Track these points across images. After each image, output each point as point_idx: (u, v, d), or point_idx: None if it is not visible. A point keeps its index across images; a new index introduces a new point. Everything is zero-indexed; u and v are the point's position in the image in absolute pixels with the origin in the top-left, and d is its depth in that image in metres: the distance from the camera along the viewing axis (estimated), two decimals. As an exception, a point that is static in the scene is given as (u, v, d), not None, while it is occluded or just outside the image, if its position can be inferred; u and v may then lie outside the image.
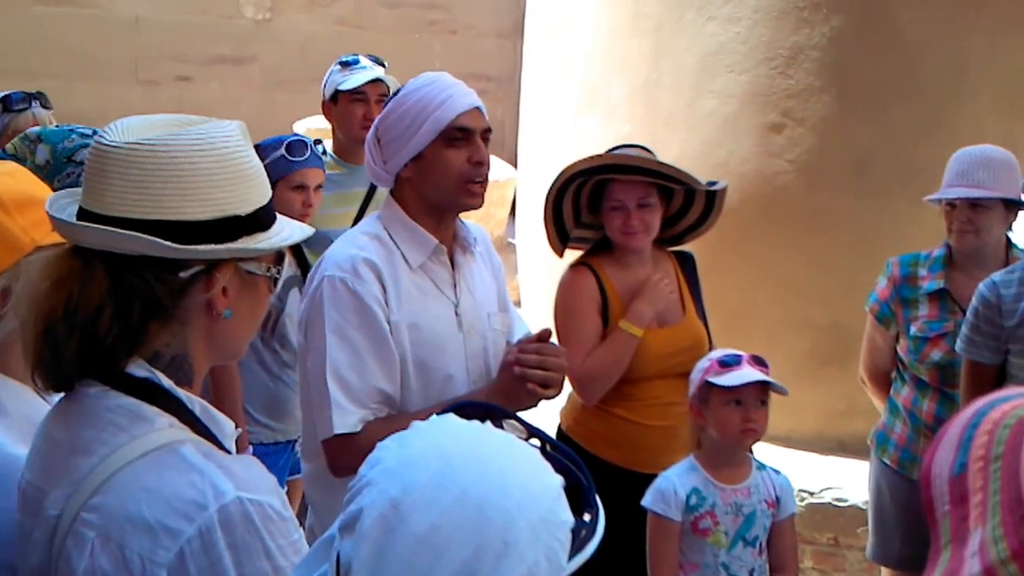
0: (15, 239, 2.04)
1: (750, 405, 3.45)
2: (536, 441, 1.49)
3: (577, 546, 1.35)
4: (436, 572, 1.23)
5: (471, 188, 3.07)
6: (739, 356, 3.49)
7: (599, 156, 3.97)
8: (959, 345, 3.94)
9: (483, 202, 3.16)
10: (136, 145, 1.73)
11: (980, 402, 1.35)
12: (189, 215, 1.73)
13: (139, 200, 1.72)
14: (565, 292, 4.04)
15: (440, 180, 3.05)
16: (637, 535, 3.57)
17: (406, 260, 3.09)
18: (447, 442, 1.37)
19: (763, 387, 3.47)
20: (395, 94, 3.13)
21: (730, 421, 3.47)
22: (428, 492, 1.28)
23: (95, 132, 3.61)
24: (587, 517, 1.40)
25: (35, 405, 2.10)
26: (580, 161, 3.89)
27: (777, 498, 3.59)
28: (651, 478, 3.62)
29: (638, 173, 3.85)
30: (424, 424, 1.42)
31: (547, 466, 1.39)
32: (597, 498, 1.45)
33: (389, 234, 3.11)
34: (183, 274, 1.77)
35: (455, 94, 3.04)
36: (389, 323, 3.01)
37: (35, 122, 4.53)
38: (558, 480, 1.38)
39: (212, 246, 1.75)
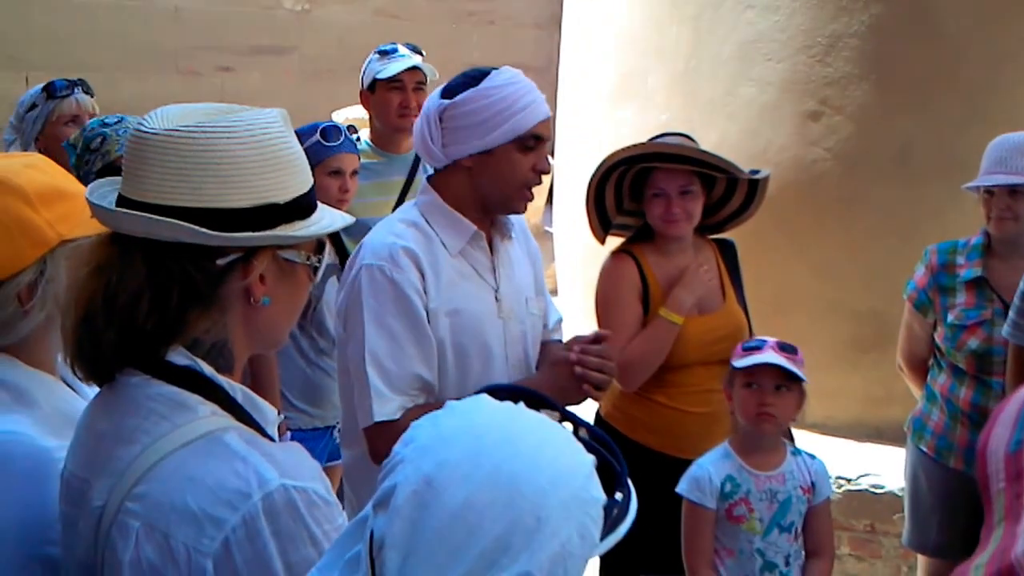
0: (40, 233, 2.02)
1: (766, 389, 3.47)
2: (568, 424, 1.49)
3: (609, 525, 1.35)
4: (469, 548, 1.23)
5: (526, 194, 3.10)
6: (764, 342, 3.51)
7: (642, 144, 3.96)
8: (1006, 330, 3.87)
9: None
10: (174, 132, 1.71)
11: None
12: (227, 202, 1.72)
13: (177, 187, 1.70)
14: (606, 279, 4.03)
15: (502, 180, 3.07)
16: (677, 520, 3.59)
17: (445, 246, 3.09)
18: (480, 420, 1.37)
19: (782, 373, 3.46)
20: (467, 79, 3.07)
21: (747, 404, 3.50)
22: (461, 468, 1.27)
23: (120, 119, 3.65)
24: (619, 496, 1.40)
25: (66, 397, 2.11)
26: (623, 149, 3.88)
27: (812, 483, 3.58)
28: (691, 464, 3.63)
29: (680, 161, 3.85)
30: (458, 403, 1.42)
31: (579, 446, 1.39)
32: (629, 480, 1.45)
33: (427, 221, 3.11)
34: (220, 261, 1.75)
35: (537, 100, 3.06)
36: (428, 310, 3.01)
37: (78, 108, 4.59)
38: (590, 459, 1.37)
39: (249, 234, 1.74)
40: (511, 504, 1.24)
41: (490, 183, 3.08)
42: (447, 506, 1.25)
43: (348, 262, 3.14)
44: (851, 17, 5.50)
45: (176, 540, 1.63)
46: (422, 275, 3.01)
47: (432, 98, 3.11)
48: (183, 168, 1.70)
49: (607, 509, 1.35)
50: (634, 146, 3.93)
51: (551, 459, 1.31)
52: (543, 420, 1.41)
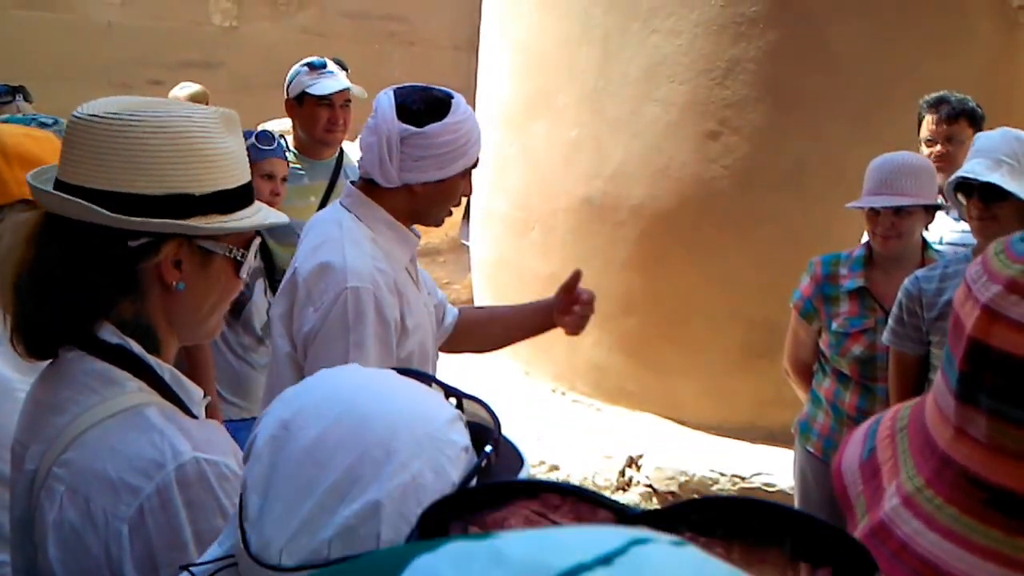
0: (4, 185, 2.14)
1: None
2: (453, 400, 1.46)
3: (477, 472, 1.30)
4: (319, 482, 1.21)
5: (451, 211, 3.11)
6: None
7: None
8: (886, 336, 3.95)
9: None
10: (98, 118, 1.73)
11: (876, 416, 1.38)
12: (135, 188, 1.72)
13: (92, 170, 1.73)
14: None
15: (441, 203, 3.02)
16: None
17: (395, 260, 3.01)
18: (343, 374, 1.38)
19: None
20: (429, 107, 2.90)
21: None
22: (317, 410, 1.27)
23: (56, 121, 3.62)
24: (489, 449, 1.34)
25: None
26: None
27: None
28: None
29: None
30: (328, 369, 1.42)
31: (444, 401, 1.37)
32: (509, 439, 1.43)
33: (375, 234, 3.00)
34: (132, 243, 1.76)
35: (480, 129, 3.01)
36: (402, 329, 2.95)
37: (19, 114, 4.50)
38: (454, 411, 1.34)
39: (150, 219, 1.73)
40: (360, 438, 1.23)
41: (429, 203, 3.00)
42: (299, 445, 1.24)
43: (320, 281, 2.89)
44: (749, 43, 5.59)
45: (96, 505, 1.67)
46: (398, 296, 2.93)
47: (390, 120, 2.88)
48: (98, 152, 1.73)
49: (482, 463, 1.31)
50: None
51: (407, 402, 1.30)
52: (407, 379, 1.39)
